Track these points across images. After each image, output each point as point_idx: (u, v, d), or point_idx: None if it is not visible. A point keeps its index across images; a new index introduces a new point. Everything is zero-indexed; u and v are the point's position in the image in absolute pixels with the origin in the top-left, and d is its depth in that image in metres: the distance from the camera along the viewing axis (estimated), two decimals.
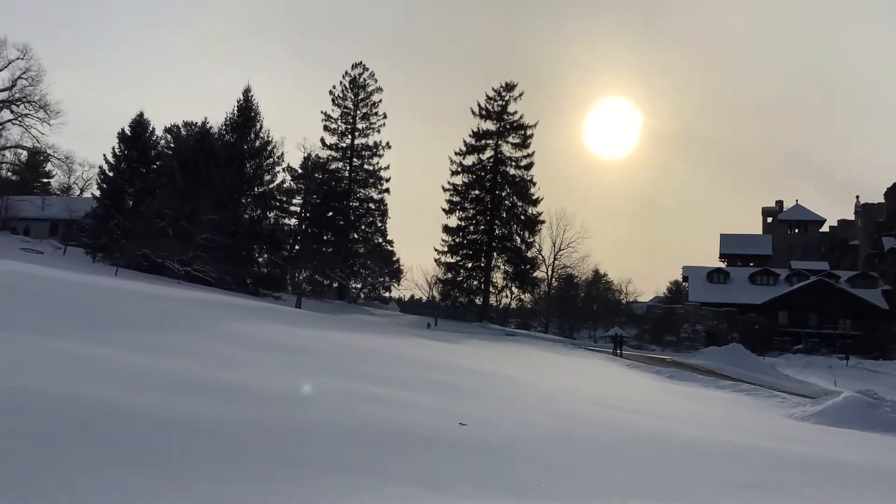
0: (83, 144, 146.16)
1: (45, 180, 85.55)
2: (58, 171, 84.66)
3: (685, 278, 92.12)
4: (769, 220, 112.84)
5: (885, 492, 9.03)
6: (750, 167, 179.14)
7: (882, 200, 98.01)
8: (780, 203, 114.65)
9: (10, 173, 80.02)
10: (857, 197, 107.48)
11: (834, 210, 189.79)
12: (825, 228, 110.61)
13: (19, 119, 75.10)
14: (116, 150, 62.00)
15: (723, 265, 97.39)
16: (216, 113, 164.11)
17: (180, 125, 66.62)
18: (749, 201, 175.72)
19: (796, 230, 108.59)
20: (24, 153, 79.36)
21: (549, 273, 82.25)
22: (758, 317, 76.93)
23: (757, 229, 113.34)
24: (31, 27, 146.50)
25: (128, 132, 62.15)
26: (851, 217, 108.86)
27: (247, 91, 65.22)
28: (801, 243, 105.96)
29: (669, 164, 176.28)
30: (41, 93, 74.14)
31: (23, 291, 16.04)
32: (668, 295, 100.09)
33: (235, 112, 64.74)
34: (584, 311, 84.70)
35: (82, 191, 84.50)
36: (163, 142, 65.59)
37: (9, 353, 8.30)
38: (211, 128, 63.44)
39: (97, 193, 63.96)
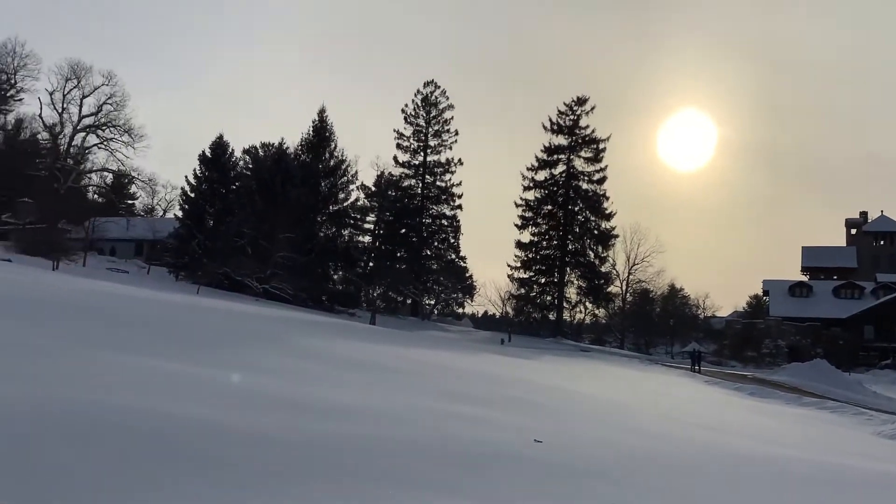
0: (166, 167, 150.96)
1: (129, 202, 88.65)
2: (142, 192, 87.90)
3: (766, 292, 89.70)
4: (853, 231, 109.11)
5: None
6: (832, 177, 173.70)
7: None
8: (864, 214, 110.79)
9: (96, 195, 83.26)
10: None
11: None
12: None
13: (105, 143, 78.36)
14: (197, 172, 63.88)
15: (805, 278, 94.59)
16: (292, 133, 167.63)
17: (258, 146, 68.52)
18: (832, 213, 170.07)
19: (882, 242, 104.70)
20: (110, 176, 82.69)
21: (624, 288, 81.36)
22: (842, 331, 74.37)
23: (840, 241, 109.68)
24: (117, 54, 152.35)
25: (208, 154, 63.99)
26: None
27: (321, 112, 66.59)
28: (887, 255, 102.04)
29: (747, 176, 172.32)
30: (126, 117, 77.31)
31: (109, 311, 16.62)
32: (747, 309, 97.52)
33: (310, 132, 66.13)
34: (660, 326, 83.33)
35: (165, 211, 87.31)
36: (241, 163, 67.40)
37: (96, 371, 8.61)
38: (287, 148, 64.94)
39: (179, 214, 65.94)
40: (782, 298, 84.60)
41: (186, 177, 64.64)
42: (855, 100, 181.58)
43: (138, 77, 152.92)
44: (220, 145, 64.53)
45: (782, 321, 76.39)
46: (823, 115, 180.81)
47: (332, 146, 66.18)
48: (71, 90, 76.56)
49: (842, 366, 54.21)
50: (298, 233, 56.47)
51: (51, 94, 76.81)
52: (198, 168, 63.94)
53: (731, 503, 7.55)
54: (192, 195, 63.88)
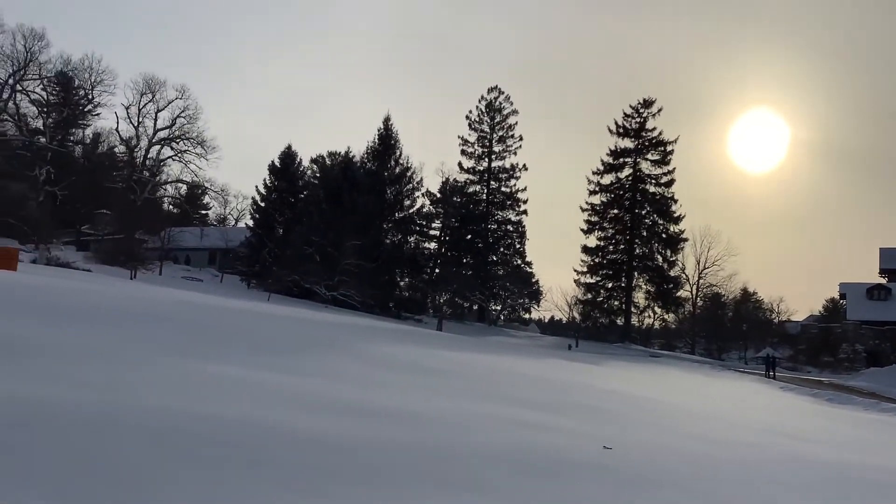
0: (238, 177, 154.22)
1: (203, 212, 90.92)
2: (214, 202, 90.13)
3: (842, 295, 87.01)
4: None
5: None
6: None
7: None
8: None
9: (171, 206, 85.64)
10: None
11: None
12: None
13: (179, 155, 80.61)
14: (267, 182, 65.24)
15: (883, 281, 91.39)
16: (358, 142, 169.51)
17: (325, 155, 69.51)
18: None
19: None
20: (184, 187, 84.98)
21: (694, 292, 79.94)
22: None
23: None
24: (188, 68, 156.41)
25: (277, 164, 65.32)
26: None
27: (387, 120, 67.25)
28: None
29: (821, 176, 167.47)
30: (198, 130, 79.45)
31: (185, 319, 17.09)
32: (823, 313, 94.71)
33: (376, 140, 66.82)
34: (732, 331, 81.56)
35: (237, 221, 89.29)
36: (309, 172, 68.55)
37: (172, 377, 8.88)
38: (353, 157, 65.76)
39: (250, 223, 67.37)
40: (860, 302, 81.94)
41: (257, 186, 66.16)
42: None
43: (210, 89, 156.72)
44: (288, 155, 65.78)
45: (860, 325, 74.01)
46: None
47: (398, 154, 66.81)
48: (146, 104, 79.10)
49: None
50: (365, 240, 57.13)
51: (126, 108, 79.55)
52: (267, 178, 65.32)
53: None
54: (263, 204, 65.23)
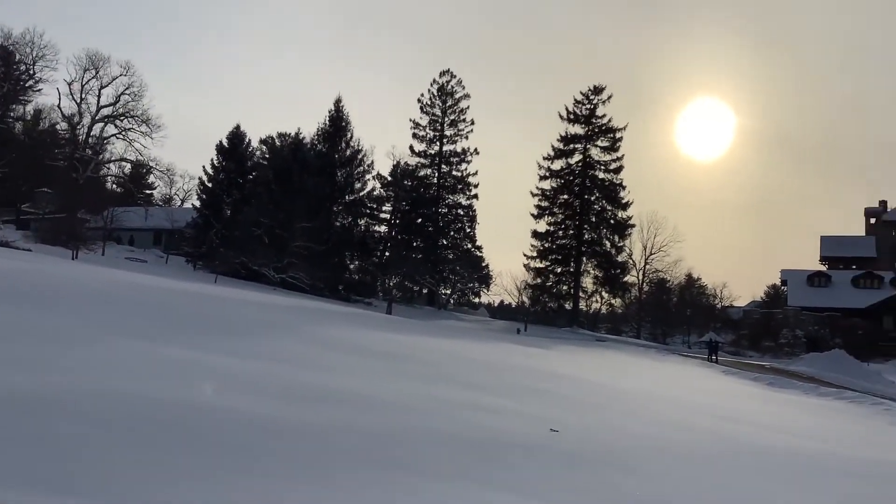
0: (184, 157, 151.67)
1: (147, 192, 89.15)
2: (160, 182, 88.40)
3: (784, 282, 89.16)
4: (872, 221, 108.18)
5: None
6: (851, 167, 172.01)
7: None
8: (883, 203, 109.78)
9: (115, 185, 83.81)
10: None
11: None
12: None
13: (123, 133, 78.76)
14: (215, 162, 64.20)
15: (824, 268, 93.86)
16: (308, 124, 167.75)
17: (274, 136, 68.58)
18: (851, 202, 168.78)
19: None
20: (128, 166, 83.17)
21: (641, 277, 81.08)
22: (861, 321, 73.77)
23: (860, 231, 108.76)
24: (133, 45, 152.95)
25: (225, 144, 64.30)
26: None
27: (338, 101, 66.64)
28: None
29: (765, 165, 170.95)
30: (143, 107, 77.64)
31: (130, 299, 16.77)
32: (765, 299, 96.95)
33: (327, 122, 66.18)
34: (677, 316, 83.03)
35: (183, 201, 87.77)
36: (258, 153, 67.59)
37: (118, 359, 8.70)
38: (304, 138, 65.06)
39: (197, 203, 66.30)
40: (801, 288, 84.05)
41: (204, 167, 65.01)
42: (874, 88, 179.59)
43: (155, 67, 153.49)
44: (236, 135, 64.81)
45: (801, 311, 75.92)
46: (842, 104, 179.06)
47: (349, 136, 66.26)
48: (89, 80, 76.96)
49: (860, 356, 53.77)
50: (315, 222, 56.63)
51: (69, 84, 77.19)
52: (215, 158, 64.25)
53: (744, 492, 7.54)
54: (210, 185, 64.22)
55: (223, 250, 54.60)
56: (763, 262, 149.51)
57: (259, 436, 6.32)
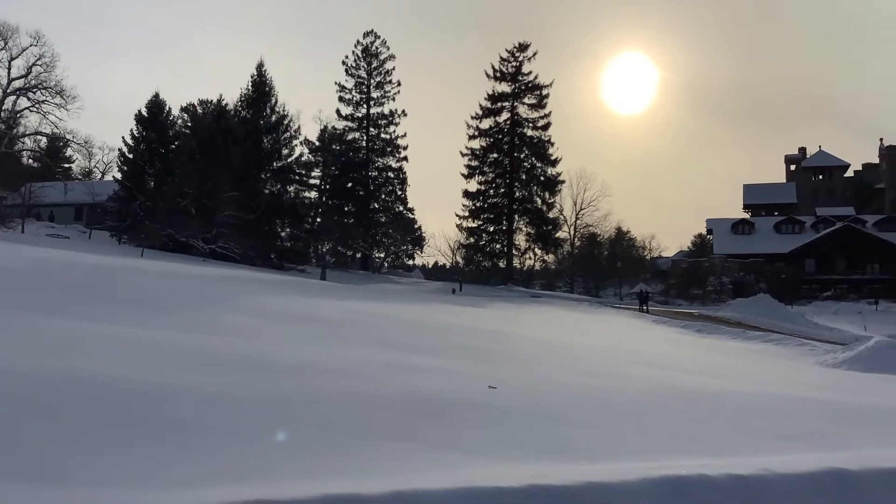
0: (102, 128, 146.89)
1: (66, 166, 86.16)
2: (78, 155, 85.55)
3: (709, 231, 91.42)
4: (793, 167, 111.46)
5: None
6: (771, 115, 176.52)
7: None
8: (803, 150, 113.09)
9: (31, 160, 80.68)
10: (882, 140, 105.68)
11: (858, 154, 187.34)
12: (850, 173, 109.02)
13: (36, 106, 75.44)
14: (134, 132, 62.34)
15: (747, 216, 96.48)
16: (231, 90, 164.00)
17: (196, 104, 66.81)
18: (772, 150, 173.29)
19: (820, 176, 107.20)
20: (44, 140, 80.00)
21: (572, 233, 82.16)
22: (784, 266, 76.28)
23: (781, 178, 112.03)
24: (41, 13, 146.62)
25: (145, 113, 62.44)
26: (876, 160, 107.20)
27: (260, 66, 65.08)
28: (826, 189, 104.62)
29: (689, 116, 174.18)
30: (56, 79, 74.39)
31: (54, 276, 16.21)
32: (692, 249, 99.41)
33: (250, 88, 64.65)
34: (608, 269, 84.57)
35: (104, 174, 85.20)
36: (180, 121, 65.83)
37: (40, 338, 8.39)
38: (226, 105, 63.48)
39: (118, 176, 64.45)
40: (726, 236, 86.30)
41: (123, 137, 63.08)
42: (791, 37, 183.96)
43: (66, 37, 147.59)
44: (156, 104, 62.94)
45: (726, 258, 78.00)
46: (761, 54, 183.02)
47: (273, 101, 64.82)
48: None
49: (784, 299, 55.67)
50: (243, 191, 55.50)
51: None
52: (135, 128, 62.40)
53: (678, 434, 7.71)
54: (131, 156, 62.42)
55: (148, 223, 53.17)
56: (689, 212, 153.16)
57: (194, 408, 6.17)
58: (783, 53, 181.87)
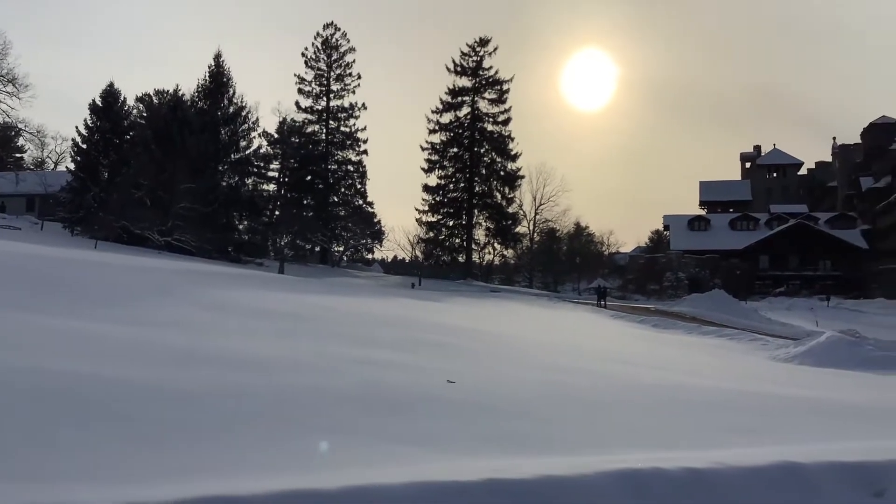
0: (55, 117, 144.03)
1: (17, 155, 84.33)
2: (30, 145, 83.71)
3: (666, 227, 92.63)
4: (748, 165, 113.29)
5: (872, 428, 9.15)
6: (728, 113, 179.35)
7: (859, 141, 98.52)
8: (757, 148, 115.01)
9: None
10: (834, 138, 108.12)
11: (811, 153, 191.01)
12: (803, 171, 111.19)
13: None
14: (88, 122, 61.24)
15: (703, 212, 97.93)
16: (188, 80, 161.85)
17: (152, 94, 65.86)
18: (728, 147, 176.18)
19: (775, 174, 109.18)
20: None
21: (531, 228, 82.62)
22: (739, 262, 77.60)
23: (736, 175, 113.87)
24: None
25: (99, 103, 61.37)
26: (829, 159, 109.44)
27: (217, 56, 64.35)
28: (780, 187, 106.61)
29: (647, 114, 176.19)
30: (8, 66, 72.76)
31: (4, 268, 15.85)
32: (650, 244, 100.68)
33: (207, 78, 63.88)
34: (567, 264, 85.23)
35: (56, 164, 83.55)
36: (135, 111, 64.86)
37: None
38: (183, 95, 62.66)
39: (71, 167, 63.27)
40: (682, 232, 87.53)
41: (77, 127, 62.00)
42: (747, 37, 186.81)
43: (19, 23, 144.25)
44: (111, 93, 61.88)
45: (683, 254, 79.11)
46: (718, 53, 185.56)
47: (231, 92, 64.12)
48: None
49: (739, 295, 56.63)
50: (199, 183, 54.80)
51: None
52: (89, 118, 61.29)
53: (635, 427, 7.78)
54: (84, 146, 61.30)
55: (102, 214, 52.26)
56: (647, 208, 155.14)
57: (148, 403, 6.07)
58: (739, 53, 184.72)
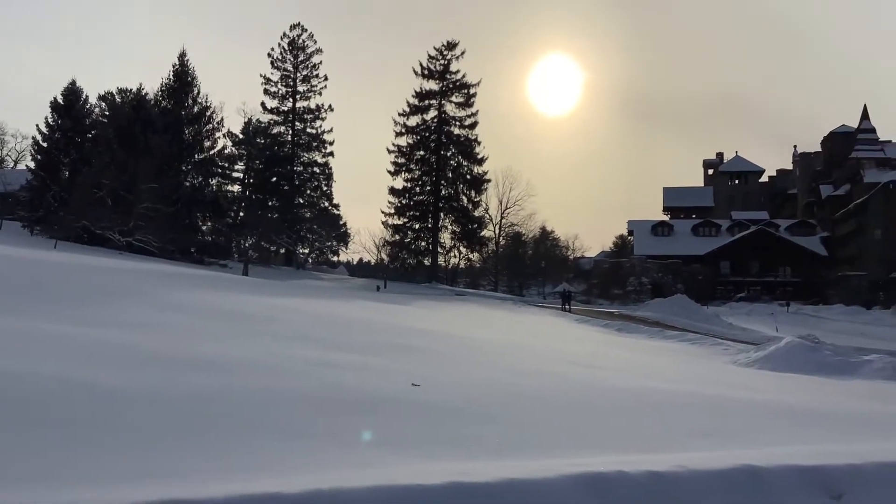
0: (15, 115, 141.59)
1: None
2: None
3: (630, 232, 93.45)
4: (710, 172, 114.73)
5: (830, 433, 9.29)
6: (691, 120, 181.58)
7: (819, 149, 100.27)
8: (720, 155, 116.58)
9: None
10: (795, 147, 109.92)
11: (773, 160, 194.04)
12: (765, 179, 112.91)
13: None
14: (49, 120, 60.22)
15: (666, 218, 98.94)
16: (152, 79, 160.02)
17: (115, 92, 64.90)
18: (691, 154, 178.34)
19: (737, 181, 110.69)
20: None
21: (497, 232, 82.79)
22: (701, 267, 78.49)
23: (699, 182, 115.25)
24: None
25: (60, 101, 60.37)
26: (790, 167, 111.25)
27: (182, 55, 63.60)
28: (742, 194, 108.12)
29: (612, 119, 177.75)
30: None
31: None
32: (614, 249, 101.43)
33: (171, 77, 63.12)
34: (532, 268, 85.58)
35: (16, 163, 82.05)
36: (97, 110, 63.83)
37: None
38: (146, 94, 61.85)
39: (32, 165, 62.10)
40: (646, 237, 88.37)
41: (38, 125, 60.85)
42: (712, 42, 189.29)
43: None
44: (73, 91, 60.90)
45: (646, 259, 79.85)
46: (684, 61, 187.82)
47: (196, 91, 63.40)
48: None
49: (701, 300, 57.27)
50: (163, 183, 54.10)
51: None
52: (49, 116, 60.26)
53: (598, 429, 7.82)
54: (45, 145, 60.22)
55: (63, 214, 51.38)
56: (612, 213, 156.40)
57: (104, 405, 5.96)
58: (704, 60, 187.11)
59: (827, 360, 22.68)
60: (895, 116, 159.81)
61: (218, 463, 4.87)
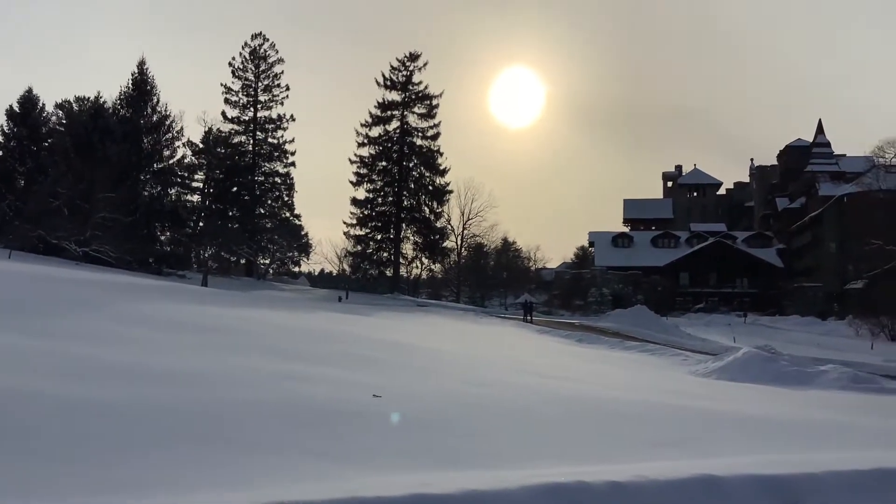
0: None
1: None
2: None
3: (591, 243, 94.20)
4: (669, 184, 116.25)
5: (787, 442, 9.44)
6: (651, 133, 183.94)
7: (775, 163, 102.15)
8: (679, 168, 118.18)
9: None
10: (752, 160, 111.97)
11: (731, 173, 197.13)
12: (722, 191, 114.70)
13: None
14: (5, 128, 59.32)
15: (626, 230, 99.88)
16: (110, 87, 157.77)
17: (72, 101, 64.02)
18: (651, 166, 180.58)
19: (695, 193, 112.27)
20: None
21: (459, 242, 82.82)
22: (660, 279, 79.34)
23: (658, 194, 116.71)
24: None
25: (16, 109, 59.43)
26: (747, 179, 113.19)
27: (141, 63, 62.88)
28: (700, 206, 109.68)
29: (574, 131, 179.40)
30: None
31: None
32: (575, 260, 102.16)
33: (130, 86, 62.34)
34: (494, 279, 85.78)
35: None
36: (54, 118, 62.91)
37: None
38: (105, 102, 61.04)
39: None
40: (606, 249, 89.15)
41: None
42: (671, 56, 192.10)
43: None
44: (28, 99, 60.02)
45: (606, 271, 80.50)
46: (643, 74, 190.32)
47: (155, 100, 62.66)
48: None
49: (660, 311, 57.82)
50: (120, 192, 53.33)
51: None
52: (5, 124, 59.35)
53: (560, 439, 7.86)
54: (0, 153, 59.22)
55: (18, 223, 50.43)
56: (573, 224, 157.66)
57: (63, 418, 5.85)
58: (663, 74, 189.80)
59: (783, 371, 23.01)
60: (849, 131, 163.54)
61: (177, 475, 4.81)
